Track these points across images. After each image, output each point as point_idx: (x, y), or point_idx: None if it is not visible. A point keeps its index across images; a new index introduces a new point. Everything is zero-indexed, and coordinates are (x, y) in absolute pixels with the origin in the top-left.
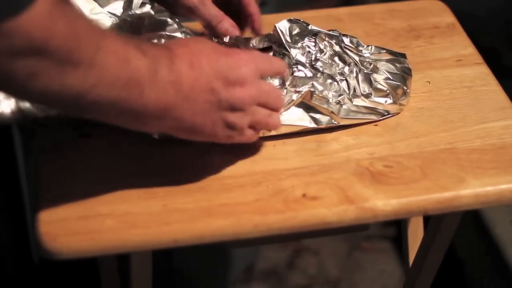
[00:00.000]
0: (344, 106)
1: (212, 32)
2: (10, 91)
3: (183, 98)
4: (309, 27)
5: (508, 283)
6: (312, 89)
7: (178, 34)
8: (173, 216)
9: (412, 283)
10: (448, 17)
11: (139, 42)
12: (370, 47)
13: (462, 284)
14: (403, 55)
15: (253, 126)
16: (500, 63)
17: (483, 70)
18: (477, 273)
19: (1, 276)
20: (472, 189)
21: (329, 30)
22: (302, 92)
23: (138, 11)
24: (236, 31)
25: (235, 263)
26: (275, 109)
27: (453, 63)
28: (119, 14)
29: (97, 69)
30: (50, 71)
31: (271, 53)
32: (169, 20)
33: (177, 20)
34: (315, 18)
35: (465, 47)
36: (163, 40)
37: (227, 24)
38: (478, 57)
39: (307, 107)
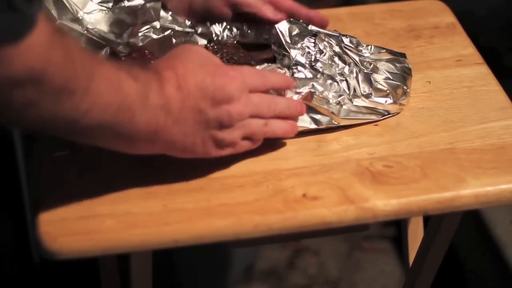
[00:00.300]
0: (344, 107)
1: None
2: (4, 119)
3: (173, 121)
4: (309, 28)
5: (508, 283)
6: (312, 90)
7: (173, 26)
8: (173, 216)
9: (412, 283)
10: (448, 17)
11: (130, 68)
12: (369, 47)
13: (462, 284)
14: (403, 55)
15: (249, 138)
16: (500, 63)
17: (483, 70)
18: (477, 273)
19: (1, 276)
20: (472, 189)
21: (329, 31)
22: (303, 93)
23: (131, 3)
24: (281, 15)
25: (235, 263)
26: (275, 117)
27: (453, 63)
28: (110, 6)
29: (91, 96)
30: (46, 99)
31: (270, 56)
32: (162, 11)
33: (170, 12)
34: None
35: (465, 47)
36: (157, 33)
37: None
38: (478, 57)
39: (308, 108)
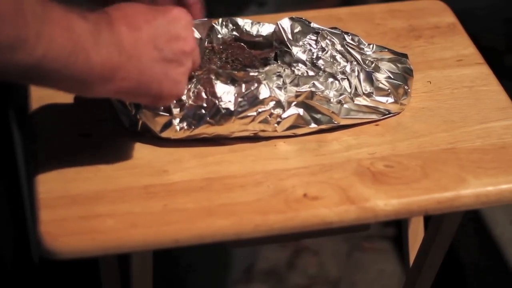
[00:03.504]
0: (345, 105)
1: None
2: None
3: (127, 58)
4: (311, 25)
5: (508, 283)
6: (313, 89)
7: None
8: (174, 216)
9: (412, 283)
10: (448, 17)
11: (80, 10)
12: (372, 46)
13: (462, 284)
14: (405, 55)
15: None
16: (501, 63)
17: (484, 70)
18: (477, 273)
19: (1, 276)
20: (473, 189)
21: (331, 28)
22: (303, 92)
23: None
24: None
25: (235, 263)
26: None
27: (454, 63)
28: None
29: (44, 41)
30: None
31: (272, 54)
32: None
33: None
34: (316, 18)
35: (466, 47)
36: None
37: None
38: (478, 57)
39: (308, 107)
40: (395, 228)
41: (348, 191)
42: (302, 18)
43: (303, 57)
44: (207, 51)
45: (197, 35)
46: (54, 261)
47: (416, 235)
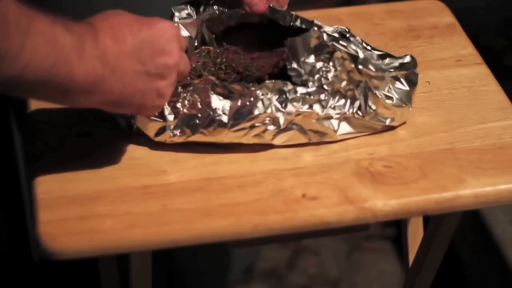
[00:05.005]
0: (345, 123)
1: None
2: None
3: (111, 71)
4: (328, 42)
5: (508, 283)
6: (314, 109)
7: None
8: (173, 216)
9: (412, 283)
10: (447, 17)
11: (65, 20)
12: (384, 61)
13: (462, 284)
14: (414, 63)
15: None
16: (501, 63)
17: (483, 70)
18: (477, 273)
19: (1, 276)
20: (472, 189)
21: (345, 36)
22: (303, 111)
23: None
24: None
25: (235, 263)
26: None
27: (453, 63)
28: None
29: (27, 52)
30: None
31: (274, 61)
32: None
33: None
34: (315, 18)
35: (465, 47)
36: None
37: None
38: (477, 57)
39: (306, 124)
40: (395, 228)
41: (346, 191)
42: (320, 27)
43: (312, 72)
44: (203, 54)
45: (186, 33)
46: (53, 261)
47: (415, 235)
